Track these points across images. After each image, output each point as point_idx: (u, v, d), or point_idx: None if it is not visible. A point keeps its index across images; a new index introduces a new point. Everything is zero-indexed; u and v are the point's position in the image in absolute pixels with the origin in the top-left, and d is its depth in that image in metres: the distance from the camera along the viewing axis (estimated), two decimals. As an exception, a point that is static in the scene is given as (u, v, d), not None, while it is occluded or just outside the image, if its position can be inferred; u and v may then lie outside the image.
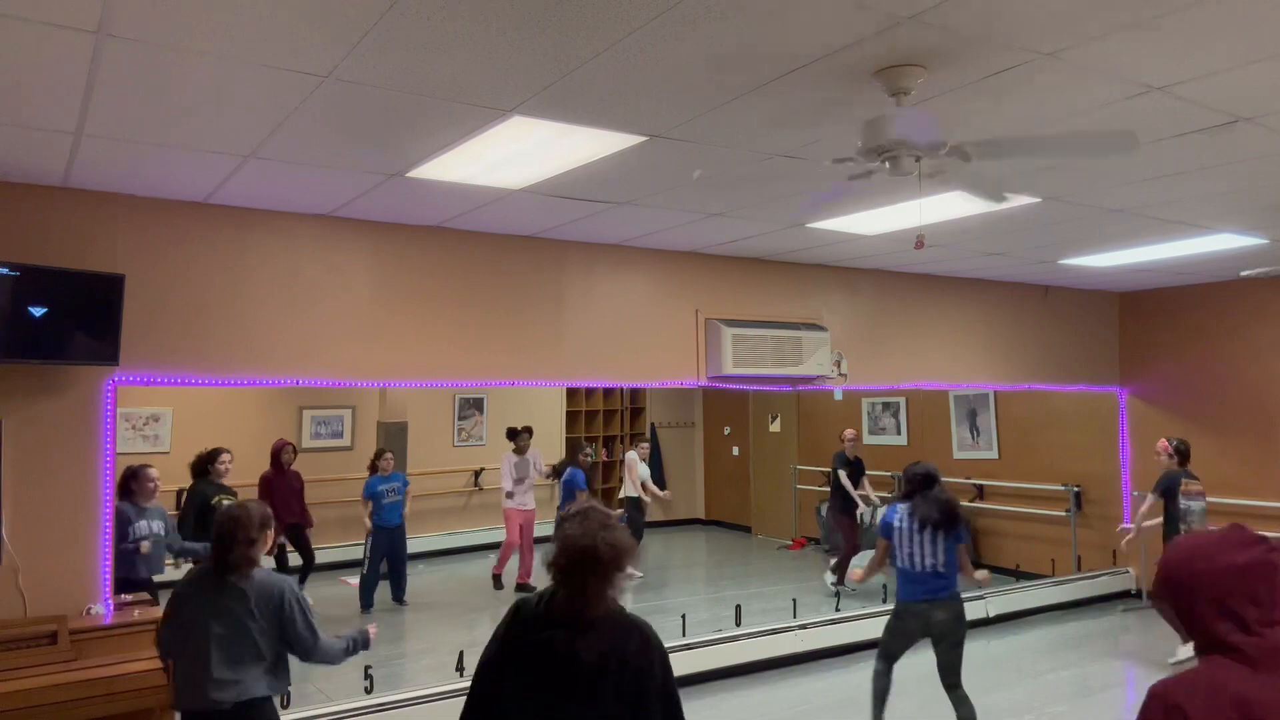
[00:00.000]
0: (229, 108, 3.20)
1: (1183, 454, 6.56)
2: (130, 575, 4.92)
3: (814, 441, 11.54)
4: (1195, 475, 6.41)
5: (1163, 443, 6.70)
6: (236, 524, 3.08)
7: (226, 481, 6.34)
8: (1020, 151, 3.08)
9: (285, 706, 4.63)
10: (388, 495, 7.96)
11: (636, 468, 9.40)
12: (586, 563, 2.18)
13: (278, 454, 7.93)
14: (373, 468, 8.12)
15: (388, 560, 8.05)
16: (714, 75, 2.94)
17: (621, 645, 2.20)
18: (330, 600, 8.14)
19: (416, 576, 8.28)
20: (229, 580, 3.04)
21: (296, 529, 7.91)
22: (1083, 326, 8.38)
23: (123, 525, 4.94)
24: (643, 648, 2.22)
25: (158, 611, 4.28)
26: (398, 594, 8.17)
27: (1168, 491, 6.41)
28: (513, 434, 8.77)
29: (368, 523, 7.95)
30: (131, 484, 5.21)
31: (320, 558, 8.57)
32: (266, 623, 3.02)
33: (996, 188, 3.58)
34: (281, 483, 7.82)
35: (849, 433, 9.05)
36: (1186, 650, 5.95)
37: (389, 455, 8.17)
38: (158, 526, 5.26)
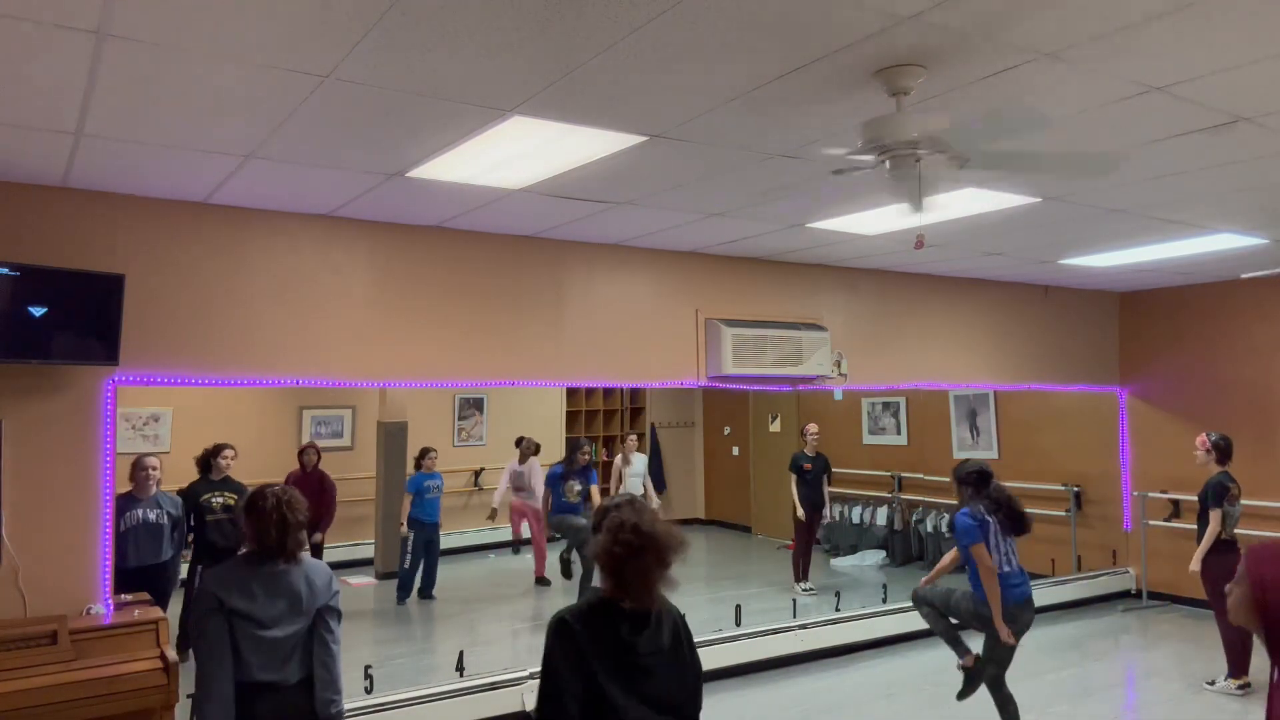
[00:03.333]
0: (229, 108, 3.20)
1: (1223, 451, 5.96)
2: (118, 564, 5.04)
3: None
4: (1234, 477, 5.93)
5: (1201, 438, 6.05)
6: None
7: (234, 477, 6.46)
8: (1012, 163, 3.11)
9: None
10: (430, 491, 8.33)
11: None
12: (650, 548, 2.16)
13: (300, 456, 8.16)
14: (418, 465, 8.49)
15: (424, 556, 8.34)
16: (714, 75, 2.95)
17: (674, 631, 2.28)
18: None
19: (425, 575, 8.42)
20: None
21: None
22: (1083, 326, 8.38)
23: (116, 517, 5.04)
24: (683, 630, 2.34)
25: (158, 611, 4.29)
26: (427, 589, 8.36)
27: (1217, 498, 5.83)
28: (517, 443, 8.95)
29: (403, 522, 8.34)
30: (131, 475, 5.52)
31: (320, 557, 8.61)
32: None
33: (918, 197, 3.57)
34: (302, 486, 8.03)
35: (811, 428, 8.93)
36: (1224, 682, 5.85)
37: (434, 453, 8.53)
38: (152, 515, 5.54)
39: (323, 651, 3.02)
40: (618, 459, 9.64)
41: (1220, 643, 5.90)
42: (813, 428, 8.93)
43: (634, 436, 9.90)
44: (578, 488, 8.03)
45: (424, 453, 8.53)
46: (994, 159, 3.44)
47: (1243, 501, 6.01)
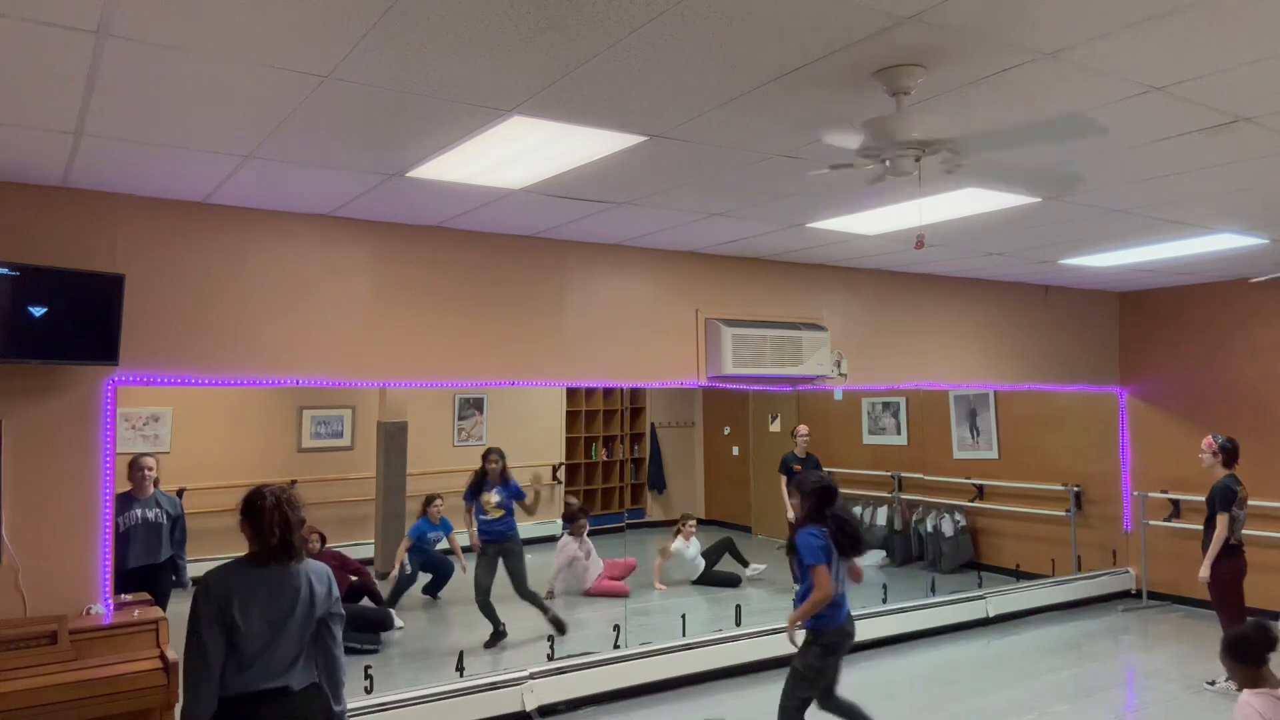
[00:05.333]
0: (229, 108, 3.20)
1: (1229, 454, 5.82)
2: (119, 565, 5.00)
3: (814, 441, 11.51)
4: (1240, 479, 5.83)
5: (1208, 440, 5.91)
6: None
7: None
8: (997, 144, 3.11)
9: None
10: (431, 543, 8.14)
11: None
12: None
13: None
14: (424, 510, 8.22)
15: (433, 571, 8.29)
16: (714, 75, 2.94)
17: None
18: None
19: (419, 579, 8.38)
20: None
21: None
22: (1083, 326, 8.38)
23: (115, 517, 5.00)
24: None
25: (158, 611, 4.29)
26: (432, 589, 8.34)
27: (1224, 503, 5.71)
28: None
29: (404, 556, 8.03)
30: (129, 475, 5.48)
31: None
32: None
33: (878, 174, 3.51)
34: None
35: (801, 429, 8.87)
36: (1225, 683, 5.85)
37: (439, 502, 8.23)
38: (151, 515, 5.51)
39: (327, 658, 3.02)
40: (676, 541, 9.07)
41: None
42: (803, 429, 8.93)
43: (693, 521, 9.26)
44: (495, 499, 6.75)
45: (429, 500, 8.18)
46: (981, 165, 3.44)
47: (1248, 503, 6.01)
